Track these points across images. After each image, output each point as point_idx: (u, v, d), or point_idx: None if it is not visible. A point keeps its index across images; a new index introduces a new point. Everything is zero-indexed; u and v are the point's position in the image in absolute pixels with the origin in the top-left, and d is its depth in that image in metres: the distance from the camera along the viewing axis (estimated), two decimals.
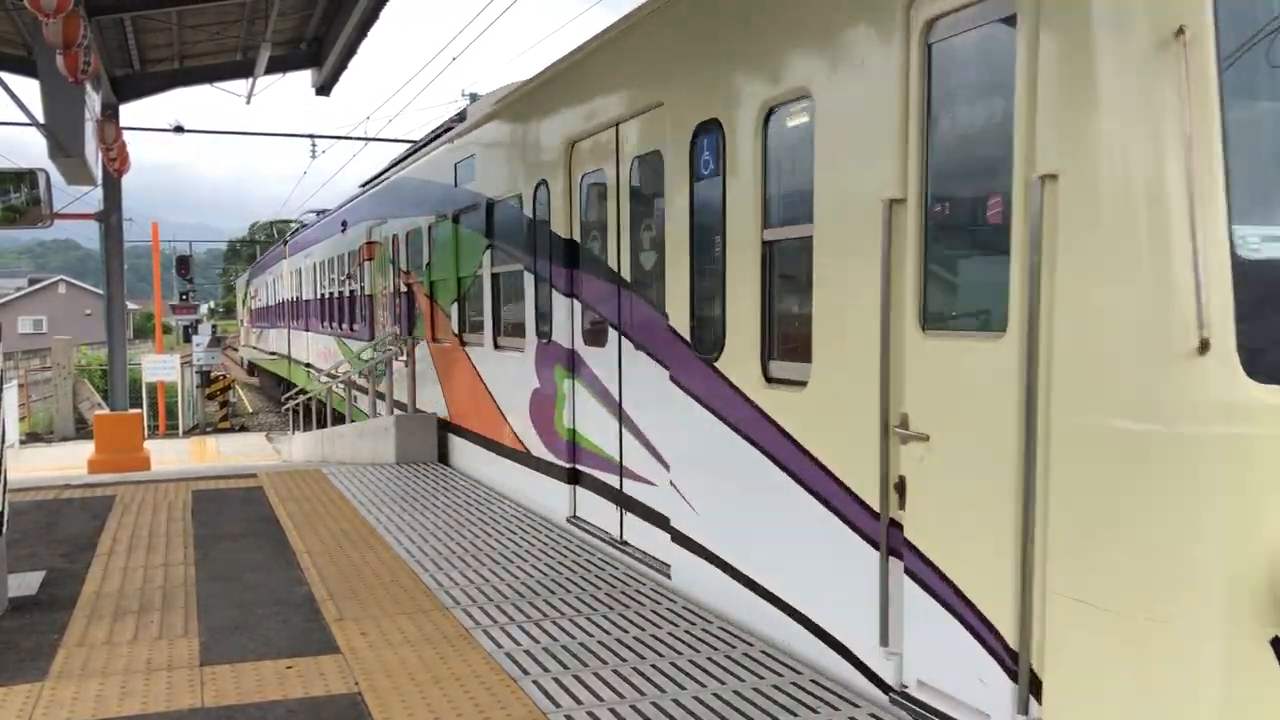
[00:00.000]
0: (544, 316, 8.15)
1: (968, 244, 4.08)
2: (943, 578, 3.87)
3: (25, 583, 6.49)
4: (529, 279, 8.43)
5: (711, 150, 5.49)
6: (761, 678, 4.69)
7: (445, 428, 11.33)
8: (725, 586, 5.47)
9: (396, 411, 12.59)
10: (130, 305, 21.69)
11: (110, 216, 15.20)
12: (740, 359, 5.24)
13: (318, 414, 17.71)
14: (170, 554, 7.30)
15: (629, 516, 6.85)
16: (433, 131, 13.64)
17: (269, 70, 14.65)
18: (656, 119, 6.14)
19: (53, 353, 26.23)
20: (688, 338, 5.79)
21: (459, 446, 10.89)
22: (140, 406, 21.01)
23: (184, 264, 33.04)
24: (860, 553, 4.33)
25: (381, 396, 13.86)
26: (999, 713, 3.63)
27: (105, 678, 4.83)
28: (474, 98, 16.00)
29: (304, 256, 23.81)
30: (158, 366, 24.74)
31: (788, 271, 5.02)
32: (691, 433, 5.74)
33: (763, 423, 5.01)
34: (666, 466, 6.10)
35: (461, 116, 11.87)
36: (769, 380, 5.04)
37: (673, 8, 5.93)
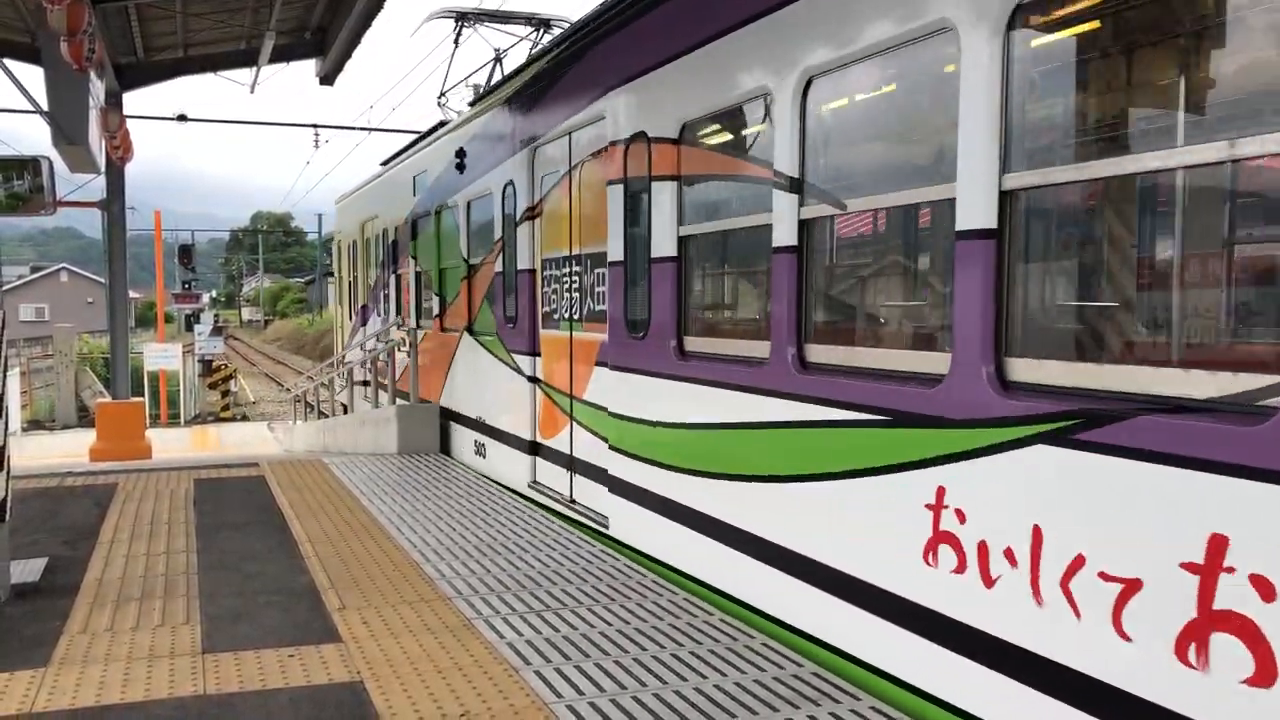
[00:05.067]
0: None
1: None
2: None
3: (28, 570, 6.50)
4: None
5: None
6: (763, 670, 4.69)
7: None
8: None
9: (399, 401, 12.58)
10: (132, 294, 21.65)
11: (113, 205, 15.22)
12: None
13: (319, 404, 17.69)
14: (172, 542, 7.31)
15: None
16: None
17: (273, 59, 14.66)
18: None
19: (54, 341, 26.27)
20: None
21: None
22: (142, 395, 21.04)
23: (186, 253, 33.01)
24: None
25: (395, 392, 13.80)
26: None
27: (108, 664, 4.84)
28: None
29: None
30: (159, 355, 24.77)
31: None
32: None
33: None
34: None
35: None
36: None
37: None
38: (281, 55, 14.85)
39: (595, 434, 7.32)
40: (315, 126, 26.60)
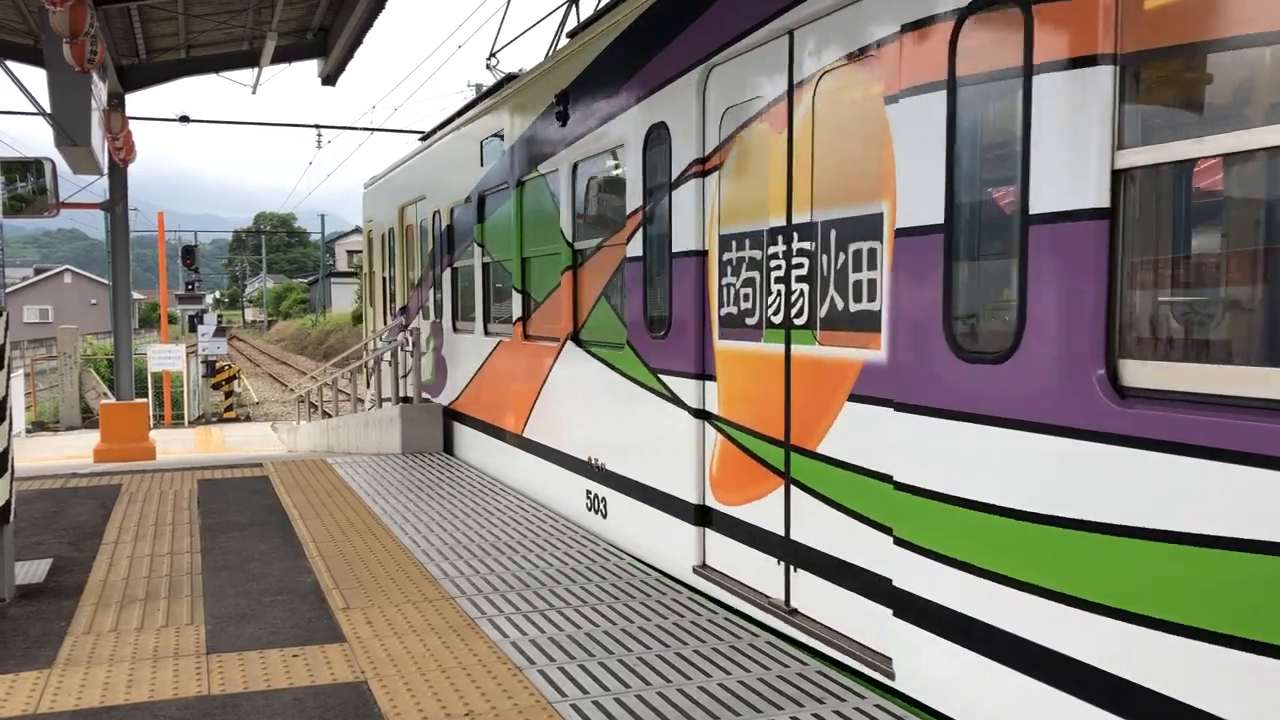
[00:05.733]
0: None
1: None
2: None
3: (33, 570, 6.52)
4: None
5: None
6: (766, 668, 4.69)
7: None
8: None
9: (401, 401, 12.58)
10: (136, 295, 21.40)
11: (116, 206, 15.24)
12: None
13: (322, 404, 17.72)
14: (176, 543, 7.32)
15: None
16: None
17: (275, 60, 14.67)
18: None
19: (58, 342, 26.29)
20: None
21: None
22: (146, 396, 21.07)
23: (189, 254, 33.01)
24: None
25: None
26: None
27: (112, 665, 4.85)
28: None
29: None
30: (163, 356, 24.78)
31: None
32: None
33: None
34: None
35: None
36: None
37: None
38: (283, 56, 14.87)
39: (847, 511, 4.66)
40: (318, 127, 26.59)
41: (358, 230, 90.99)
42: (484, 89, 13.08)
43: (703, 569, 5.96)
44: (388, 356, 13.60)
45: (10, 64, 12.41)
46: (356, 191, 17.56)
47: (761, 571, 5.40)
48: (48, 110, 10.99)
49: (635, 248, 6.74)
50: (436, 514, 8.13)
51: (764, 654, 4.88)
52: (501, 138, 9.51)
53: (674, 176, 6.19)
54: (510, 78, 9.77)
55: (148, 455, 14.77)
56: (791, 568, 5.15)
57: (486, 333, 10.05)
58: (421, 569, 6.48)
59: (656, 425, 6.45)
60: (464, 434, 10.96)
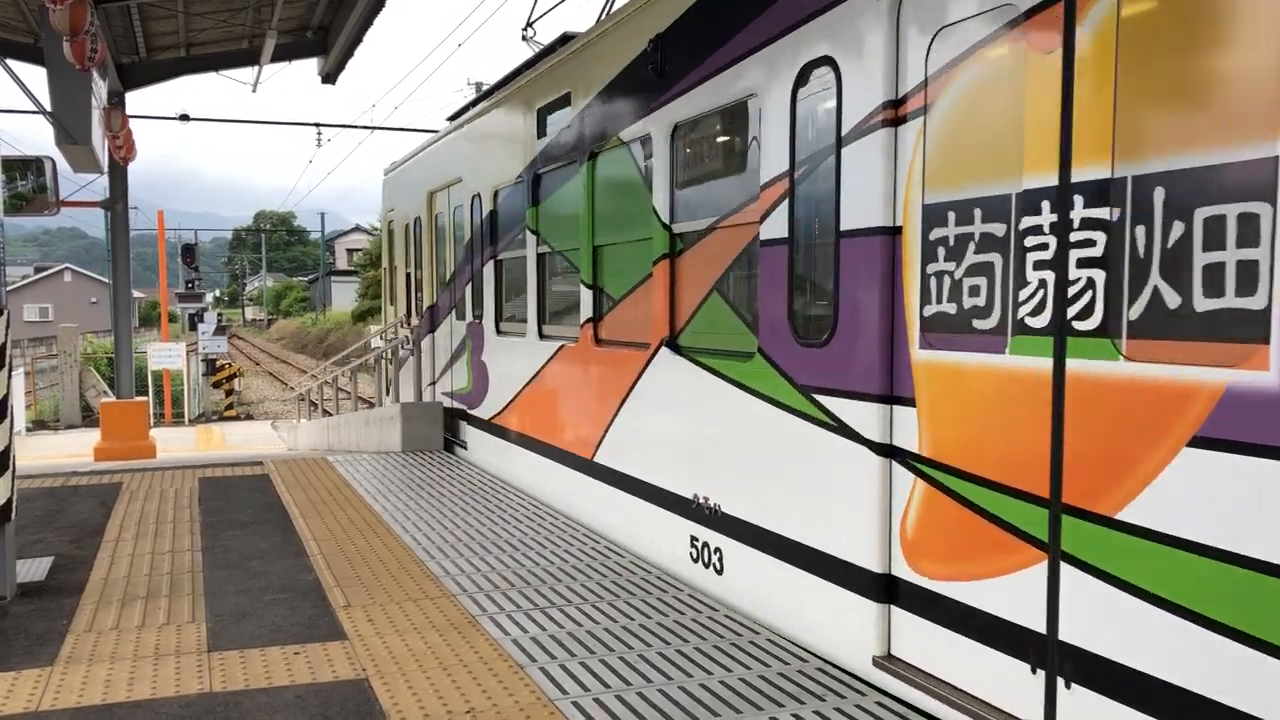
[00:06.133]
0: None
1: None
2: None
3: (34, 568, 6.53)
4: None
5: None
6: (768, 666, 4.70)
7: None
8: None
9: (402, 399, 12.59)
10: (136, 293, 21.37)
11: (116, 204, 15.26)
12: None
13: (323, 402, 17.73)
14: (177, 541, 7.32)
15: None
16: None
17: (275, 58, 14.70)
18: None
19: (58, 340, 26.31)
20: None
21: None
22: (146, 394, 21.09)
23: (189, 252, 33.04)
24: None
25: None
26: None
27: (114, 663, 4.86)
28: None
29: None
30: (163, 354, 24.80)
31: None
32: None
33: None
34: None
35: None
36: None
37: None
38: (283, 54, 14.89)
39: (1181, 612, 3.12)
40: (318, 125, 26.64)
41: (358, 229, 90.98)
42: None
43: (889, 661, 4.41)
44: (389, 357, 13.61)
45: (10, 62, 12.41)
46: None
47: (1000, 679, 3.84)
48: (48, 108, 11.00)
49: (775, 227, 5.17)
50: (437, 512, 8.14)
51: (765, 652, 4.89)
52: (567, 103, 7.97)
53: (845, 129, 4.64)
54: (567, 38, 8.56)
55: (148, 453, 14.80)
56: (1060, 681, 3.58)
57: (541, 335, 8.59)
58: (422, 567, 6.49)
59: (808, 461, 4.93)
60: (511, 453, 9.46)
